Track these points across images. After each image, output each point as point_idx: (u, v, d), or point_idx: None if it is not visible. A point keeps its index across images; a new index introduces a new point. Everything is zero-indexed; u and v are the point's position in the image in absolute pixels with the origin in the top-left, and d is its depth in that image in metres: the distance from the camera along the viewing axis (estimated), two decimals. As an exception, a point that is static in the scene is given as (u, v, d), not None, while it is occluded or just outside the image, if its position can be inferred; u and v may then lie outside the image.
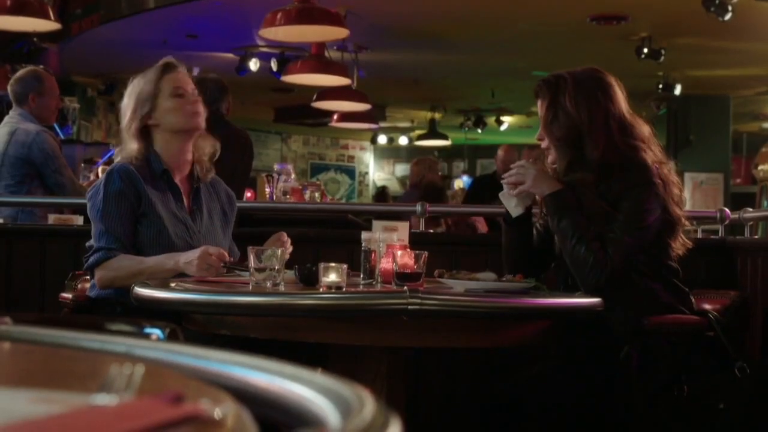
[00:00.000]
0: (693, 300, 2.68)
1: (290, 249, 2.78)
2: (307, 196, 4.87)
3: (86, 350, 1.10)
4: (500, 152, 7.20)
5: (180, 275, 2.58)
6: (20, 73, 4.82)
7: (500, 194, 2.74)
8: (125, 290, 2.44)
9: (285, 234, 2.81)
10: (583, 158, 2.62)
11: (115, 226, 2.68)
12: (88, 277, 2.89)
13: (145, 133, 2.78)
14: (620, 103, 2.67)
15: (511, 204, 2.72)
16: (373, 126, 12.02)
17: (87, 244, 2.75)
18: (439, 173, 8.62)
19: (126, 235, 2.69)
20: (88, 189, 2.87)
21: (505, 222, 2.79)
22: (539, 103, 2.71)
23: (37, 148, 4.46)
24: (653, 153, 2.66)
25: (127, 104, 2.80)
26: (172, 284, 2.36)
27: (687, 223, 2.71)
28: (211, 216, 2.88)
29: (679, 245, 2.67)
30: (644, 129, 2.68)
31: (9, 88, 4.72)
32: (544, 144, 2.71)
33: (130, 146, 2.78)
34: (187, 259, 2.57)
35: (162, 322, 1.43)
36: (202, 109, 2.82)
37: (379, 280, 2.48)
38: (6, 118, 4.68)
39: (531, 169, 2.66)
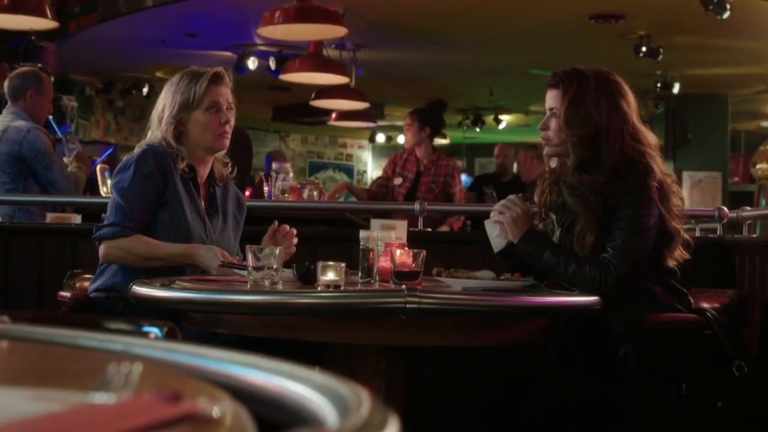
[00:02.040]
0: (691, 300, 2.68)
1: (296, 241, 2.80)
2: (305, 194, 4.88)
3: (84, 349, 1.10)
4: (496, 150, 7.42)
5: (178, 272, 2.59)
6: (22, 69, 4.84)
7: (485, 221, 2.73)
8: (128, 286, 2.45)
9: (284, 226, 2.83)
10: (596, 159, 2.61)
11: (136, 206, 2.70)
12: (86, 275, 2.89)
13: (176, 133, 2.79)
14: (634, 109, 2.67)
15: (493, 233, 2.69)
16: (371, 124, 12.02)
17: (103, 215, 2.77)
18: None
19: (143, 218, 2.71)
20: (122, 161, 2.84)
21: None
22: (554, 94, 2.66)
23: (27, 145, 4.46)
24: (657, 163, 2.65)
25: (168, 100, 2.80)
26: (170, 283, 2.36)
27: (687, 237, 2.68)
28: (226, 219, 2.90)
29: (677, 255, 2.66)
30: (651, 138, 2.67)
31: (7, 82, 4.72)
32: (545, 134, 2.68)
33: (160, 138, 2.80)
34: (204, 257, 2.63)
35: (160, 321, 1.44)
36: (230, 129, 2.83)
37: (377, 278, 2.48)
38: None
39: (516, 207, 2.62)
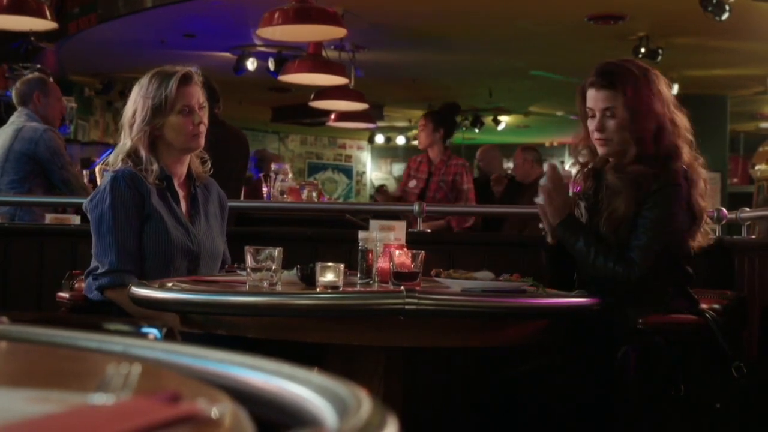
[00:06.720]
0: (701, 306, 2.69)
1: None
2: (304, 195, 4.88)
3: (83, 350, 1.10)
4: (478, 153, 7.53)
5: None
6: (26, 77, 4.93)
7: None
8: None
9: None
10: (644, 153, 2.63)
11: (126, 240, 2.67)
12: (84, 277, 2.89)
13: (151, 139, 2.78)
14: (671, 94, 2.72)
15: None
16: (370, 125, 12.01)
17: (96, 257, 2.71)
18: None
19: (136, 248, 2.69)
20: (91, 195, 2.82)
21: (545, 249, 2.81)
22: (607, 94, 2.63)
23: (44, 145, 4.52)
24: (687, 149, 2.68)
25: (139, 106, 2.77)
26: (169, 284, 2.36)
27: (709, 219, 2.73)
28: (208, 219, 2.89)
29: (699, 239, 2.69)
30: (685, 121, 2.71)
31: (14, 90, 4.84)
32: (603, 135, 2.65)
33: (130, 146, 2.78)
34: None
35: (159, 322, 1.44)
36: (204, 128, 2.81)
37: (376, 279, 2.48)
38: (12, 117, 4.76)
39: (558, 197, 2.64)
